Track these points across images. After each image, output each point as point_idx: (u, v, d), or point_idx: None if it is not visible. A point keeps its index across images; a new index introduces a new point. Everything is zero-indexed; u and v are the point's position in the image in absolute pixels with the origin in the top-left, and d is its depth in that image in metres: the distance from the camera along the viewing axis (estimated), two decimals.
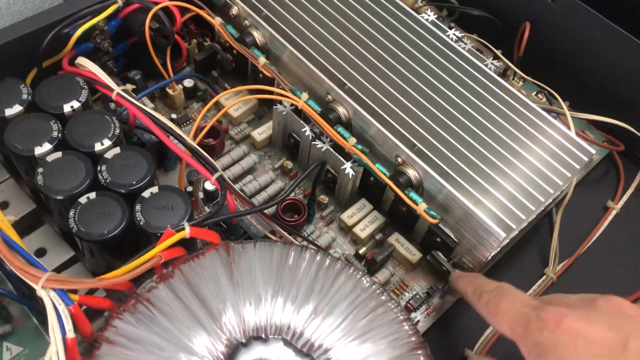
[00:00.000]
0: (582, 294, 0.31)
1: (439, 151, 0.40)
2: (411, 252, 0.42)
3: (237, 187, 0.44)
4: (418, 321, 0.41)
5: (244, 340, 0.31)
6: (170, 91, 0.47)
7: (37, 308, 0.37)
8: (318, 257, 0.35)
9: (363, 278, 0.34)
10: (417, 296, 0.42)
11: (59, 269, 0.38)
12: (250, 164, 0.46)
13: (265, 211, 0.40)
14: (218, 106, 0.48)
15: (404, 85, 0.43)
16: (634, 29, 0.48)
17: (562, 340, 0.28)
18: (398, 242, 0.43)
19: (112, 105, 0.44)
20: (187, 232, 0.33)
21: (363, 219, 0.44)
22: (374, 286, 0.34)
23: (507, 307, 0.31)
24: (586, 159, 0.41)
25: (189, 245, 0.35)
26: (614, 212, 0.49)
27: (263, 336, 0.31)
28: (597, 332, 0.28)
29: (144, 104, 0.46)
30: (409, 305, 0.41)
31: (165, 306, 0.32)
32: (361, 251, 0.43)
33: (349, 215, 0.44)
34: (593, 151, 0.41)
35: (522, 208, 0.38)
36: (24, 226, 0.39)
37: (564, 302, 0.30)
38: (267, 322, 0.32)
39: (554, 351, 0.28)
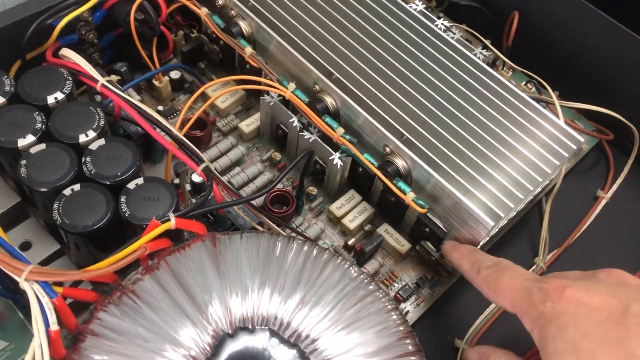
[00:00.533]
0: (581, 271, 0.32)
1: (427, 141, 0.40)
2: (400, 243, 0.42)
3: (224, 179, 0.44)
4: (408, 311, 0.41)
5: (230, 331, 0.31)
6: (156, 83, 0.47)
7: (22, 302, 0.36)
8: (305, 248, 0.34)
9: (351, 268, 0.34)
10: (407, 287, 0.42)
11: (44, 262, 0.37)
12: (238, 155, 0.45)
13: (254, 203, 0.40)
14: (205, 97, 0.47)
15: (392, 75, 0.42)
16: (622, 17, 0.48)
17: (565, 310, 0.28)
18: (387, 232, 0.43)
19: (98, 98, 0.43)
20: (172, 223, 0.33)
21: (352, 210, 0.43)
22: (361, 276, 0.34)
23: (508, 281, 0.32)
24: (575, 147, 0.41)
25: (175, 237, 0.35)
26: (603, 202, 0.49)
27: (250, 327, 0.31)
28: (599, 299, 0.28)
29: (129, 96, 0.46)
30: (398, 295, 0.41)
31: (151, 298, 0.31)
32: (350, 242, 0.42)
33: (337, 207, 0.43)
34: (582, 139, 0.41)
35: (511, 197, 0.38)
36: (9, 219, 0.39)
37: (565, 276, 0.31)
38: (253, 312, 0.32)
39: (557, 321, 0.28)
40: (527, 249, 0.46)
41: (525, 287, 0.31)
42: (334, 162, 0.41)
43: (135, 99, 0.47)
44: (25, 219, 0.39)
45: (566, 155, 0.40)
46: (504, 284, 0.32)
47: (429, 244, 0.41)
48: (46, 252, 0.38)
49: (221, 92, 0.45)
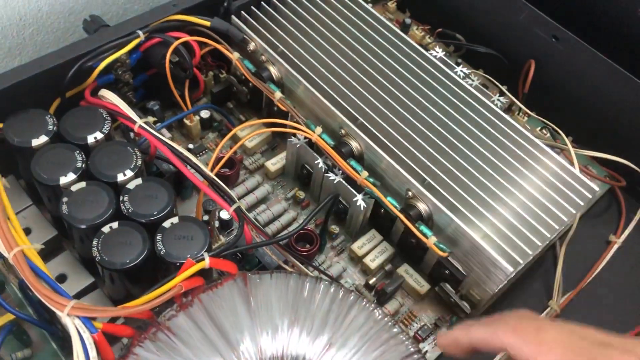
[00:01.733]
0: (628, 336, 0.30)
1: (447, 186, 0.41)
2: (420, 284, 0.44)
3: (251, 216, 0.46)
4: (426, 351, 0.42)
5: None
6: (187, 122, 0.49)
7: (58, 333, 0.38)
8: (332, 289, 0.36)
9: (375, 310, 0.35)
10: (425, 327, 0.43)
11: (78, 295, 0.39)
12: (264, 193, 0.47)
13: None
14: (234, 137, 0.49)
15: (414, 121, 0.44)
16: (634, 67, 0.50)
17: None
18: (407, 273, 0.44)
19: (132, 135, 0.45)
20: (206, 262, 0.34)
21: (373, 250, 0.45)
22: (385, 318, 0.35)
23: (555, 336, 0.27)
24: (590, 196, 0.42)
25: (206, 275, 0.37)
26: (616, 246, 0.50)
27: None
28: None
29: (162, 135, 0.48)
30: (417, 335, 0.42)
31: (185, 334, 0.33)
32: (371, 281, 0.44)
33: (359, 246, 0.45)
34: (597, 188, 0.43)
35: (529, 243, 0.39)
36: (45, 252, 0.40)
37: (627, 346, 0.27)
38: (283, 351, 0.33)
39: None
40: (542, 291, 0.48)
41: (583, 350, 0.26)
42: (358, 204, 0.43)
43: (166, 136, 0.49)
44: (61, 252, 0.41)
45: (582, 203, 0.42)
46: (549, 338, 0.27)
47: (448, 286, 0.42)
48: (80, 285, 0.39)
49: (251, 134, 0.47)
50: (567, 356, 0.25)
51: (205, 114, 0.50)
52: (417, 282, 0.44)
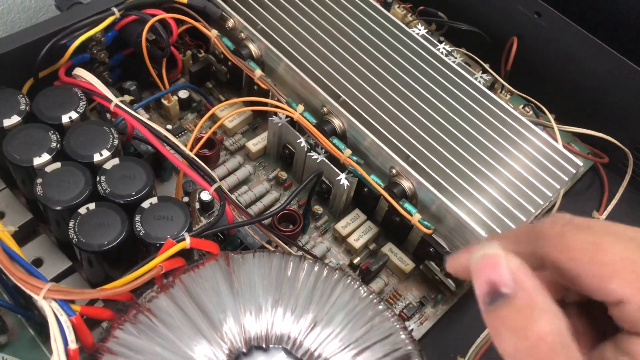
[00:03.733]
0: None
1: (431, 162, 0.41)
2: (404, 262, 0.43)
3: (233, 196, 0.45)
4: (411, 330, 0.42)
5: (245, 350, 0.31)
6: (165, 102, 0.48)
7: (34, 318, 0.37)
8: (316, 268, 0.35)
9: (360, 288, 0.35)
10: (411, 305, 0.43)
11: (56, 279, 0.38)
12: (245, 174, 0.46)
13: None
14: (213, 117, 0.48)
15: (398, 98, 0.44)
16: (616, 43, 0.49)
17: None
18: (391, 252, 0.44)
19: (108, 116, 0.44)
20: (187, 242, 0.34)
21: (357, 229, 0.44)
22: (371, 296, 0.35)
23: (620, 254, 0.19)
24: (574, 171, 0.42)
25: (186, 256, 0.36)
26: None
27: (264, 345, 0.32)
28: None
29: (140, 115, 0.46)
30: (402, 314, 0.42)
31: (166, 316, 0.32)
32: (355, 261, 0.43)
33: (343, 226, 0.44)
34: (580, 163, 0.42)
35: (513, 219, 0.39)
36: (20, 236, 0.39)
37: None
38: (267, 331, 0.32)
39: None
40: None
41: None
42: (341, 183, 0.42)
43: (144, 117, 0.48)
44: (37, 236, 0.40)
45: (566, 178, 0.41)
46: (613, 259, 0.19)
47: (433, 264, 0.42)
48: (58, 269, 0.38)
49: (231, 113, 0.46)
50: (638, 280, 0.18)
51: (183, 94, 0.49)
52: (402, 260, 0.43)
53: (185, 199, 0.43)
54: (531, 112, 0.54)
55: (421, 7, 0.59)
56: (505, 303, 0.18)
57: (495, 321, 0.18)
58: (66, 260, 0.39)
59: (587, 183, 0.54)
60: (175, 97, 0.48)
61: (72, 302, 0.31)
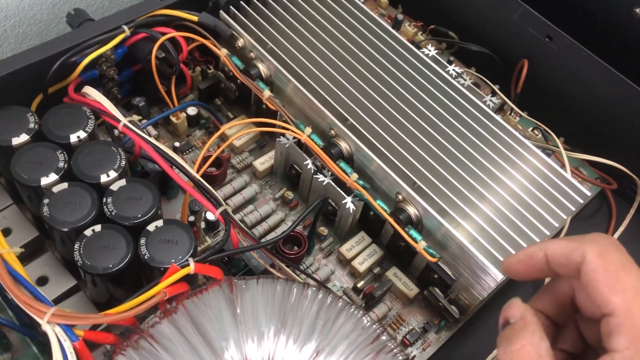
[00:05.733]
0: None
1: (438, 189, 0.41)
2: (408, 287, 0.43)
3: (238, 217, 0.45)
4: (414, 356, 0.42)
5: None
6: (173, 119, 0.48)
7: (38, 338, 0.37)
8: (320, 295, 0.35)
9: (364, 317, 0.35)
10: (414, 331, 0.42)
11: (60, 298, 0.38)
12: (252, 194, 0.46)
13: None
14: (222, 136, 0.48)
15: (405, 123, 0.43)
16: (627, 69, 0.49)
17: None
18: (396, 276, 0.43)
19: (116, 132, 0.44)
20: (191, 268, 0.34)
21: (362, 252, 0.44)
22: (374, 326, 0.35)
23: (635, 281, 0.25)
24: (581, 201, 0.42)
25: (191, 280, 0.36)
26: None
27: None
28: None
29: (148, 133, 0.47)
30: (405, 340, 0.42)
31: (168, 342, 0.32)
32: (359, 285, 0.43)
33: (347, 248, 0.44)
34: (589, 193, 0.42)
35: (519, 249, 0.39)
36: (26, 253, 0.39)
37: None
38: (269, 359, 0.32)
39: None
40: (532, 294, 0.47)
41: None
42: (347, 206, 0.42)
43: (152, 134, 0.48)
44: (43, 253, 0.40)
45: (573, 208, 0.41)
46: (629, 280, 0.24)
47: (437, 290, 0.42)
48: (62, 287, 0.38)
49: (239, 133, 0.46)
50: (633, 307, 0.24)
51: (192, 110, 0.49)
52: (406, 285, 0.43)
53: (192, 218, 0.43)
54: (540, 136, 0.53)
55: (432, 26, 0.58)
56: (509, 326, 0.27)
57: (501, 338, 0.27)
58: (71, 279, 0.39)
59: (594, 208, 0.54)
60: (183, 114, 0.48)
61: (75, 326, 0.31)
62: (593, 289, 0.25)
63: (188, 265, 0.34)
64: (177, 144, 0.48)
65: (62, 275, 0.39)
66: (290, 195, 0.47)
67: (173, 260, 0.34)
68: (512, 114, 0.54)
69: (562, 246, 0.27)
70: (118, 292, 0.37)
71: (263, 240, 0.42)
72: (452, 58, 0.58)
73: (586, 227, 0.52)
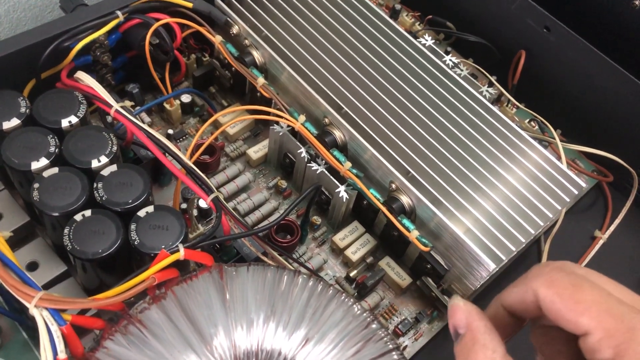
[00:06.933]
0: None
1: (432, 178, 0.40)
2: (401, 277, 0.43)
3: (230, 205, 0.45)
4: (406, 346, 0.42)
5: None
6: (167, 106, 0.48)
7: (27, 323, 0.37)
8: (310, 283, 0.35)
9: (354, 305, 0.35)
10: (406, 321, 0.42)
11: (50, 284, 0.38)
12: (245, 182, 0.46)
13: None
14: (215, 123, 0.48)
15: (400, 112, 0.43)
16: (625, 61, 0.49)
17: None
18: (389, 266, 0.43)
19: (109, 118, 0.44)
20: (181, 254, 0.33)
21: (355, 242, 0.44)
22: (364, 314, 0.35)
23: (591, 297, 0.24)
24: (576, 192, 0.41)
25: (181, 266, 0.36)
26: (600, 242, 0.50)
27: None
28: None
29: (141, 119, 0.46)
30: (397, 329, 0.42)
31: (157, 328, 0.32)
32: (352, 274, 0.43)
33: (341, 238, 0.44)
34: (584, 184, 0.42)
35: (512, 239, 0.39)
36: (17, 238, 0.39)
37: None
38: (258, 346, 0.32)
39: None
40: None
41: (623, 316, 0.24)
42: (340, 195, 0.42)
43: (145, 121, 0.48)
44: (33, 238, 0.40)
45: (567, 199, 0.41)
46: (586, 298, 0.24)
47: (430, 280, 0.42)
48: (52, 273, 0.38)
49: (233, 120, 0.45)
50: (602, 319, 0.23)
51: (186, 98, 0.48)
52: (399, 275, 0.43)
53: (184, 205, 0.43)
54: (536, 127, 0.53)
55: (429, 16, 0.58)
56: (459, 340, 0.26)
57: (455, 352, 0.26)
58: (61, 264, 0.39)
59: (590, 200, 0.53)
60: (177, 102, 0.48)
61: (64, 310, 0.31)
62: (559, 319, 0.24)
63: (178, 251, 0.33)
64: (170, 132, 0.47)
65: (52, 261, 0.39)
66: (283, 184, 0.47)
67: (163, 246, 0.34)
68: (509, 105, 0.54)
69: (513, 294, 0.27)
70: (108, 278, 0.37)
71: (255, 228, 0.42)
72: (449, 49, 0.57)
73: (582, 220, 0.52)
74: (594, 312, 0.23)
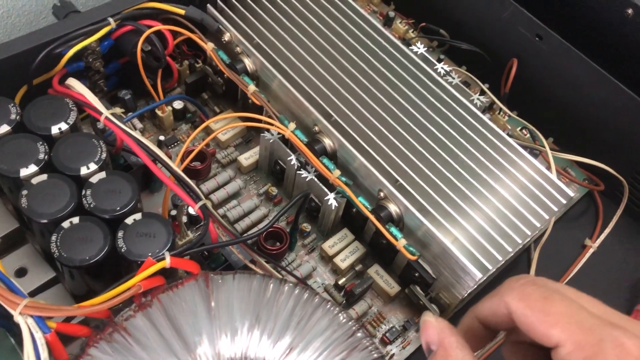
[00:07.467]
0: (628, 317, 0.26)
1: (420, 188, 0.40)
2: (390, 285, 0.43)
3: (221, 211, 0.45)
4: (393, 354, 0.42)
5: None
6: (159, 113, 0.48)
7: (13, 329, 0.37)
8: (296, 291, 0.35)
9: (340, 314, 0.35)
10: (394, 329, 0.42)
11: (39, 290, 0.38)
12: (235, 188, 0.46)
13: None
14: (207, 130, 0.48)
15: (390, 120, 0.43)
16: (618, 71, 0.49)
17: None
18: (377, 274, 0.43)
19: (101, 125, 0.44)
20: (167, 262, 0.34)
21: (344, 249, 0.44)
22: (350, 322, 0.35)
23: (562, 309, 0.24)
24: (564, 201, 0.41)
25: (169, 274, 0.36)
26: (591, 250, 0.50)
27: None
28: None
29: (132, 125, 0.47)
30: (385, 338, 0.42)
31: (142, 336, 0.32)
32: (341, 282, 0.43)
33: (330, 245, 0.44)
34: (572, 194, 0.42)
35: (499, 248, 0.39)
36: (7, 244, 0.39)
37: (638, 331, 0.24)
38: (242, 355, 0.32)
39: None
40: None
41: (591, 328, 0.24)
42: (329, 203, 0.42)
43: (137, 127, 0.48)
44: (23, 244, 0.40)
45: (555, 209, 0.41)
46: (556, 310, 0.24)
47: (418, 289, 0.42)
48: (41, 279, 0.38)
49: (224, 127, 0.46)
50: (572, 331, 0.24)
51: (178, 104, 0.49)
52: (387, 283, 0.43)
53: (174, 212, 0.43)
54: (528, 135, 0.53)
55: (423, 24, 0.58)
56: (432, 356, 0.26)
57: None
58: (50, 270, 0.39)
59: (582, 209, 0.53)
60: (169, 108, 0.48)
61: (50, 318, 0.31)
62: (532, 332, 0.25)
63: (164, 258, 0.34)
64: (162, 138, 0.48)
65: (41, 267, 0.39)
66: (274, 190, 0.47)
67: (150, 254, 0.34)
68: (501, 113, 0.54)
69: (486, 306, 0.27)
70: (96, 285, 0.37)
71: (244, 235, 0.42)
72: (442, 56, 0.57)
73: (572, 229, 0.52)
74: (564, 324, 0.24)
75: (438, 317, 0.27)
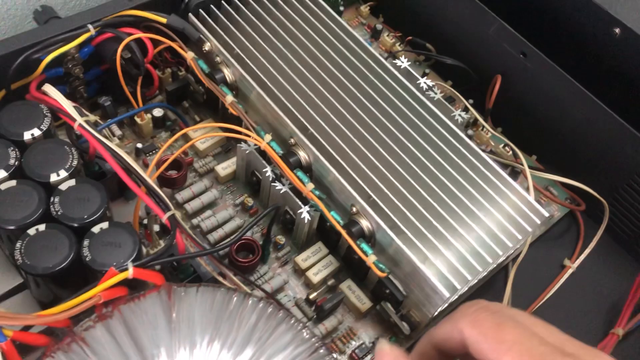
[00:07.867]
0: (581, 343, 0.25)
1: (393, 204, 0.40)
2: (362, 301, 0.43)
3: (195, 221, 0.45)
4: None
5: None
6: (138, 120, 0.48)
7: None
8: (260, 305, 0.35)
9: (303, 330, 0.34)
10: (363, 345, 0.42)
11: (5, 296, 0.38)
12: (211, 199, 0.46)
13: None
14: (185, 138, 0.48)
15: (366, 135, 0.43)
16: (602, 90, 0.48)
17: None
18: (350, 289, 0.43)
19: (78, 133, 0.44)
20: (130, 272, 0.33)
21: (317, 263, 0.44)
22: (313, 339, 0.34)
23: (516, 337, 0.24)
24: (539, 222, 0.41)
25: (135, 285, 0.36)
26: (569, 271, 0.49)
27: None
28: None
29: (111, 132, 0.47)
30: (354, 354, 0.42)
31: (100, 347, 0.32)
32: (312, 296, 0.43)
33: (303, 259, 0.44)
34: (546, 214, 0.42)
35: (469, 268, 0.38)
36: None
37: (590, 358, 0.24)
38: None
39: None
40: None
41: (542, 355, 0.24)
42: (302, 216, 0.42)
43: (116, 134, 0.48)
44: None
45: (530, 229, 0.41)
46: (509, 338, 0.24)
47: (389, 305, 0.41)
48: (7, 285, 0.38)
49: (202, 136, 0.46)
50: (523, 359, 0.24)
51: (158, 112, 0.49)
52: (359, 299, 0.43)
53: (146, 221, 0.43)
54: (510, 153, 0.53)
55: (409, 38, 0.58)
56: None
57: None
58: (18, 277, 0.39)
59: (563, 228, 0.53)
60: (148, 116, 0.48)
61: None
62: (484, 359, 0.25)
63: (126, 269, 0.33)
64: (139, 145, 0.48)
65: (8, 273, 0.39)
66: (250, 201, 0.47)
67: (114, 264, 0.34)
68: (484, 129, 0.54)
69: (441, 332, 0.27)
70: (62, 293, 0.37)
71: (214, 247, 0.42)
72: (427, 70, 0.57)
73: (553, 248, 0.51)
74: (515, 352, 0.24)
75: (392, 345, 0.27)
